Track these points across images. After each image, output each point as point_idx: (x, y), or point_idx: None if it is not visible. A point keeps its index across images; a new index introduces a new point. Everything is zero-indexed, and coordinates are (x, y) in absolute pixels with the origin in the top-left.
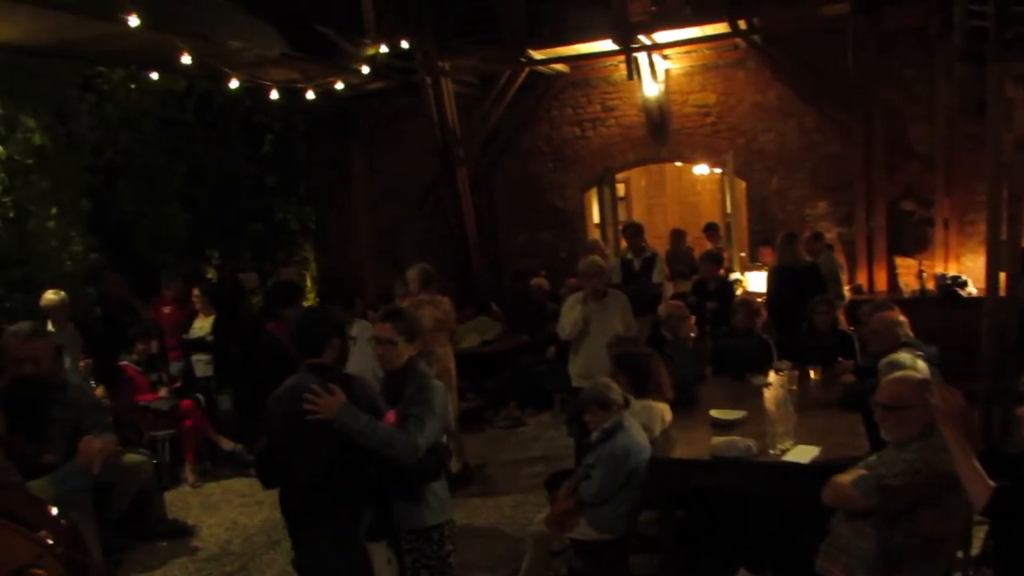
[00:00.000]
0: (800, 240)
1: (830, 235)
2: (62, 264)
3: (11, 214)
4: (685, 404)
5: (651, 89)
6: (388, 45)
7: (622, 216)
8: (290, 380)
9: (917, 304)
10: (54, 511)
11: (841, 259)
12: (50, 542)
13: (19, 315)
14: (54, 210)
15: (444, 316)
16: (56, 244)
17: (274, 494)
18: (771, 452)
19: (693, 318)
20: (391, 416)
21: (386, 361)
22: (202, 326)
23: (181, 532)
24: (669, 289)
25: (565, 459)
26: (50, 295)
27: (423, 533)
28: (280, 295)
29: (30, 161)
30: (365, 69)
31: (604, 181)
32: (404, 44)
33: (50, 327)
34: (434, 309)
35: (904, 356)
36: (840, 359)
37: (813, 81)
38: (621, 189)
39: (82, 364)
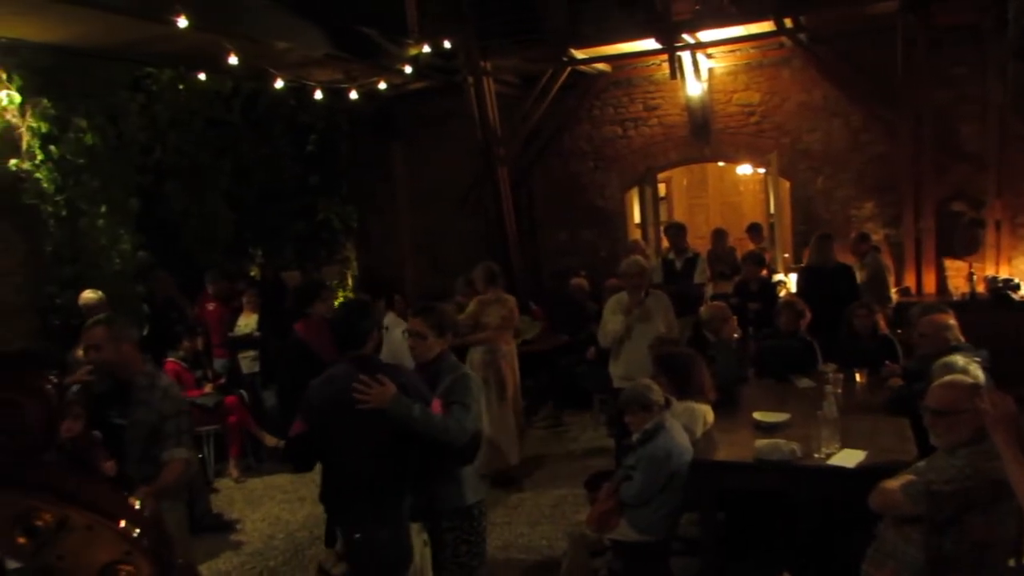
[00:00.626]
0: (833, 241)
1: (877, 237)
2: (112, 262)
3: (63, 213)
4: (727, 406)
5: (694, 88)
6: (431, 45)
7: (663, 216)
8: (334, 370)
9: (967, 307)
10: (137, 504)
11: (888, 261)
12: (136, 535)
13: (71, 312)
14: (104, 209)
15: (509, 314)
16: (106, 242)
17: (315, 490)
18: (816, 456)
19: (735, 319)
20: (436, 405)
21: (418, 354)
22: (247, 323)
23: (225, 526)
24: (709, 290)
25: (604, 460)
26: (88, 294)
27: (464, 511)
28: (304, 294)
29: (82, 161)
30: (408, 69)
31: (646, 181)
32: (447, 44)
33: None
34: (501, 307)
35: (958, 359)
36: (887, 363)
37: (860, 80)
38: (662, 189)
39: None
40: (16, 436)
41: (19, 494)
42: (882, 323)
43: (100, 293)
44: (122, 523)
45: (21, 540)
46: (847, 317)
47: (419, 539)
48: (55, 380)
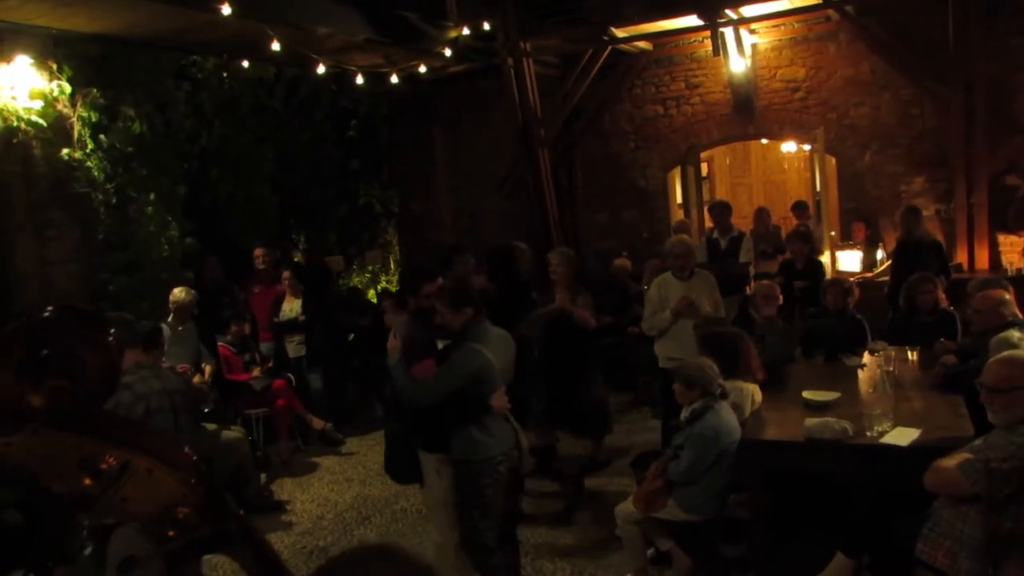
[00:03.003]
0: (921, 213)
1: (927, 212)
2: (161, 248)
3: (113, 200)
4: (776, 385)
5: (737, 65)
6: (470, 27)
7: (705, 196)
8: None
9: (1022, 283)
10: (192, 454)
11: (939, 237)
12: (192, 481)
13: (122, 297)
14: (152, 196)
15: None
16: (154, 229)
17: (363, 472)
18: (868, 434)
19: (781, 298)
20: (430, 364)
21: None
22: (292, 307)
23: (275, 507)
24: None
25: (648, 440)
26: (180, 293)
27: (467, 464)
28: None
29: (130, 149)
30: (447, 52)
31: (688, 160)
32: (486, 26)
33: (170, 319)
34: None
35: (1014, 334)
36: (942, 339)
37: (910, 52)
38: (704, 168)
39: (181, 367)
40: (79, 383)
41: (84, 439)
42: (942, 298)
43: (193, 292)
44: (178, 469)
45: (87, 481)
46: (908, 292)
47: (431, 465)
48: (114, 333)
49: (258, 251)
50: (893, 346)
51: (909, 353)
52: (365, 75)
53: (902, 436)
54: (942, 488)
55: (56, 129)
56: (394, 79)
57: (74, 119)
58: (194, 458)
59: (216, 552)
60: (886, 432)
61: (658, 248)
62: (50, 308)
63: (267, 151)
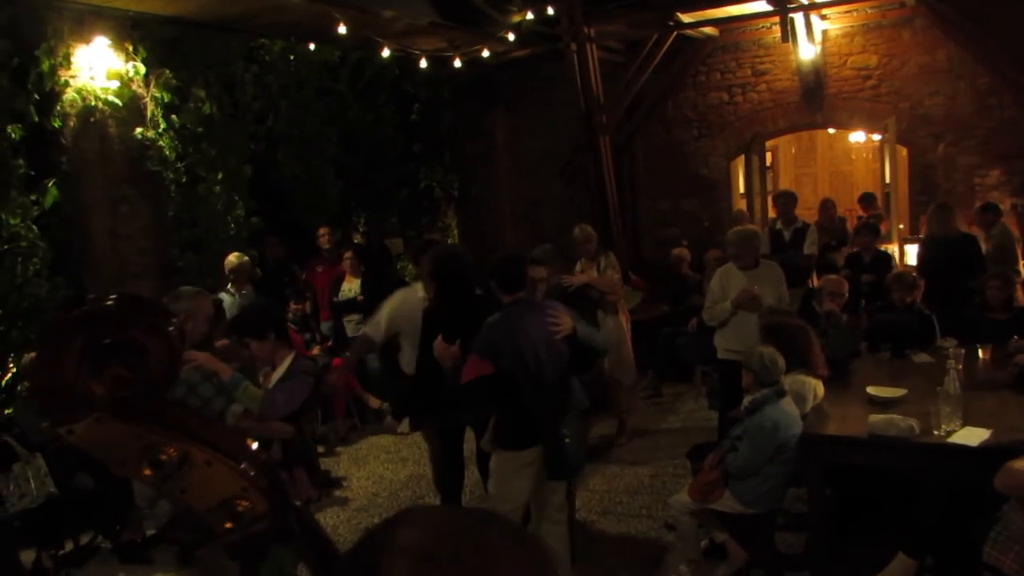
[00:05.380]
0: (952, 211)
1: (1004, 206)
2: (227, 227)
3: (183, 179)
4: (839, 380)
5: (807, 51)
6: (534, 12)
7: (769, 186)
8: (506, 313)
9: None
10: (254, 445)
11: (1016, 232)
12: (253, 474)
13: (191, 273)
14: (220, 176)
15: None
16: (222, 208)
17: (417, 451)
18: (935, 433)
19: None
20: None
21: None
22: (351, 287)
23: (332, 483)
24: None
25: (705, 433)
26: (232, 258)
27: None
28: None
29: (200, 129)
30: (511, 36)
31: (752, 149)
32: (550, 10)
33: (230, 287)
34: None
35: None
36: (1016, 337)
37: (989, 39)
38: (768, 158)
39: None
40: (142, 374)
41: (144, 428)
42: (1021, 295)
43: (245, 258)
44: (239, 462)
45: (147, 472)
46: (980, 289)
47: None
48: (176, 323)
49: (323, 230)
50: (964, 344)
51: (980, 351)
52: (428, 59)
53: (971, 436)
54: (1013, 490)
55: (131, 109)
56: (457, 63)
57: (148, 99)
58: (256, 448)
59: (276, 545)
60: (954, 432)
61: (719, 238)
62: (112, 296)
63: (331, 133)
